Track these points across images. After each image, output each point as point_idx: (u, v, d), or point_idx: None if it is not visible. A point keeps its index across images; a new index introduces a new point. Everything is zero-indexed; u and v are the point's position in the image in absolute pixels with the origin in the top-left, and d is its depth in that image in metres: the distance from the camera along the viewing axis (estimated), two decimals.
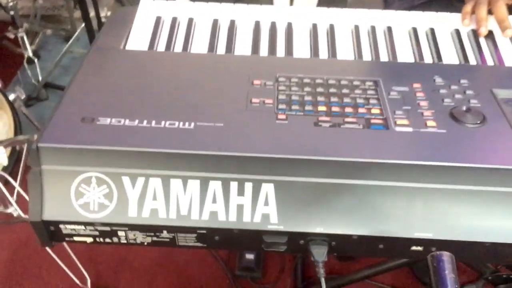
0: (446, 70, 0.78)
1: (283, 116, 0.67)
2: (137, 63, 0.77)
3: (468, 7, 0.89)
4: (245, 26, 0.89)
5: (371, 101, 0.70)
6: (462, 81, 0.75)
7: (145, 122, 0.65)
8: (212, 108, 0.68)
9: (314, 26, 0.88)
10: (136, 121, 0.65)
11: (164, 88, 0.71)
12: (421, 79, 0.75)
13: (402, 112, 0.68)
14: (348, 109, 0.69)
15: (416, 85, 0.74)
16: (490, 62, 0.82)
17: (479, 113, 0.68)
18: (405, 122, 0.67)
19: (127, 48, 0.82)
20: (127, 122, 0.64)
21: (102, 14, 1.89)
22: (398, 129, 0.66)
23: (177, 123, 0.65)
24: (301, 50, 0.83)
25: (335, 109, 0.69)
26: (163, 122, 0.65)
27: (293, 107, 0.69)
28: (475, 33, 0.87)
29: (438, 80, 0.75)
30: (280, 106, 0.69)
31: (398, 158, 0.61)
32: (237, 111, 0.67)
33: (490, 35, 0.87)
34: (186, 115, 0.66)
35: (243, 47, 0.84)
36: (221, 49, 0.83)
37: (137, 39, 0.83)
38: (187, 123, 0.65)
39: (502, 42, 0.86)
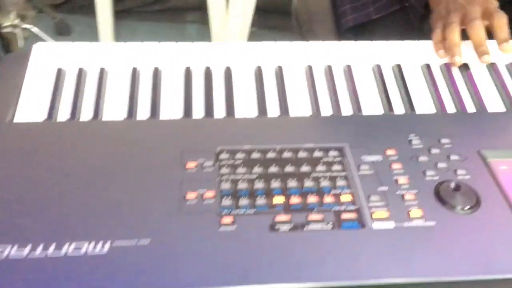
0: (421, 124, 0.64)
1: (229, 220, 0.51)
2: (29, 143, 0.58)
3: (438, 34, 0.76)
4: (172, 75, 0.71)
5: (339, 182, 0.56)
6: (443, 140, 0.61)
7: (38, 249, 0.47)
8: (134, 214, 0.51)
9: (259, 70, 0.71)
10: (26, 249, 0.46)
11: (67, 184, 0.53)
12: (395, 140, 0.61)
13: (378, 198, 0.54)
14: (312, 198, 0.53)
15: (390, 152, 0.59)
16: (469, 104, 0.69)
17: (471, 192, 0.55)
18: (384, 213, 0.52)
19: (15, 120, 0.62)
20: (13, 251, 0.46)
21: (6, 23, 1.56)
22: (376, 225, 0.51)
23: (85, 245, 0.47)
24: (245, 106, 0.66)
25: (294, 199, 0.53)
26: (65, 247, 0.47)
27: (241, 201, 0.53)
28: (449, 67, 0.74)
29: (415, 142, 0.61)
30: (224, 202, 0.52)
31: (379, 276, 0.47)
32: (166, 217, 0.51)
33: (465, 66, 0.74)
34: (97, 230, 0.49)
35: (171, 107, 0.66)
36: (142, 112, 0.65)
37: (29, 107, 0.64)
38: (99, 244, 0.47)
39: (479, 76, 0.73)
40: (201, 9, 1.84)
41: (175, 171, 0.55)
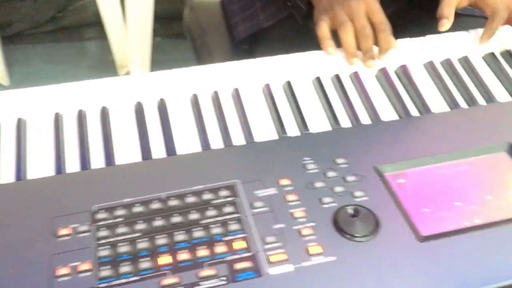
0: (316, 145, 0.61)
1: None
2: None
3: (324, 29, 0.73)
4: (40, 126, 0.62)
5: (231, 226, 0.51)
6: (338, 160, 0.58)
7: None
8: None
9: (139, 107, 0.65)
10: None
11: None
12: (288, 167, 0.57)
13: (274, 238, 0.50)
14: (202, 251, 0.49)
15: (284, 182, 0.56)
16: (363, 115, 0.67)
17: (370, 216, 0.52)
18: (282, 256, 0.49)
19: None
20: None
21: None
22: (274, 271, 0.47)
23: None
24: (126, 151, 0.60)
25: (183, 256, 0.48)
26: None
27: (122, 268, 0.47)
28: (338, 78, 0.71)
29: (310, 166, 0.57)
30: (103, 273, 0.46)
31: None
32: None
33: (355, 74, 0.71)
34: None
35: (40, 164, 0.58)
36: (6, 175, 0.57)
37: None
38: None
39: (370, 83, 0.71)
40: (98, 24, 1.73)
41: (45, 242, 0.48)
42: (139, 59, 1.73)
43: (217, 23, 1.02)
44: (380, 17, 0.72)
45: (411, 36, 0.77)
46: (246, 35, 0.94)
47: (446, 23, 0.76)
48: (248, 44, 0.96)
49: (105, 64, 1.83)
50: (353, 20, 0.71)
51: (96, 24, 1.80)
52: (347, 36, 0.71)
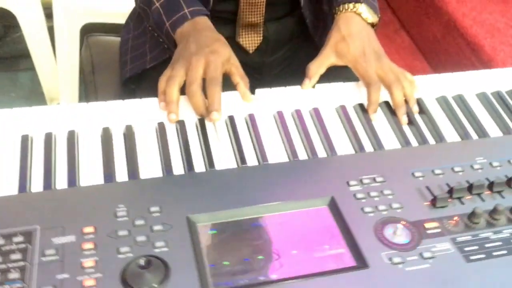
0: (136, 191, 0.60)
1: None
2: None
3: (162, 83, 0.72)
4: None
5: (11, 274, 0.49)
6: (152, 208, 0.58)
7: None
8: None
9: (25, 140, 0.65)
10: None
11: None
12: (98, 214, 0.56)
13: None
14: None
15: (88, 229, 0.54)
16: (199, 162, 0.66)
17: (160, 268, 0.51)
18: None
19: None
20: None
21: None
22: None
23: None
24: None
25: None
26: None
27: None
28: (183, 124, 0.71)
29: (121, 214, 0.56)
30: None
31: None
32: None
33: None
34: None
35: None
36: None
37: None
38: None
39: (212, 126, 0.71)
40: None
41: None
42: (69, 91, 1.73)
43: (112, 62, 1.02)
44: (211, 72, 0.72)
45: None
46: (131, 74, 0.94)
47: (307, 83, 0.78)
48: (134, 83, 0.96)
49: (36, 95, 1.82)
50: (187, 74, 0.72)
51: (30, 55, 1.80)
52: (169, 88, 0.71)
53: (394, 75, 0.78)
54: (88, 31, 1.61)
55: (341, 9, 0.83)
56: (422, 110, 0.77)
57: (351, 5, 0.82)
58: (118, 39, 1.04)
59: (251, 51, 0.93)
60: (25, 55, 1.86)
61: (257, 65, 0.97)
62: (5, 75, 1.91)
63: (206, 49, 0.73)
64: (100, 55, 1.03)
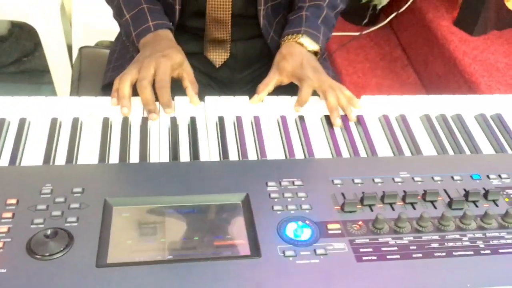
0: (61, 174, 0.66)
1: None
2: None
3: (116, 82, 0.79)
4: None
5: None
6: (76, 189, 0.63)
7: None
8: None
9: None
10: None
11: None
12: (26, 190, 0.62)
13: None
14: None
15: (11, 201, 0.60)
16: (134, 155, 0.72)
17: (63, 239, 0.56)
18: None
19: None
20: None
21: None
22: None
23: None
24: None
25: None
26: None
27: None
28: (107, 120, 0.76)
29: (45, 191, 0.62)
30: None
31: None
32: None
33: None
34: None
35: None
36: None
37: None
38: None
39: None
40: None
41: None
42: None
43: (98, 71, 1.10)
44: (160, 75, 0.78)
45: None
46: (109, 81, 1.01)
47: (255, 98, 0.83)
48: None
49: None
50: (139, 73, 0.78)
51: None
52: (121, 85, 0.78)
53: (330, 86, 0.82)
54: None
55: (284, 39, 0.91)
56: (359, 123, 0.80)
57: (293, 36, 0.90)
58: (108, 51, 1.12)
59: (217, 65, 0.99)
60: (48, 70, 2.00)
61: (227, 81, 1.02)
62: (29, 87, 2.05)
63: (158, 53, 0.80)
64: (89, 64, 1.11)
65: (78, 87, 1.06)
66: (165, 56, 0.79)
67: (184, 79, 0.82)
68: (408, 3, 1.91)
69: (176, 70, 0.81)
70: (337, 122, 0.78)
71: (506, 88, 1.49)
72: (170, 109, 0.78)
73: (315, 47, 0.91)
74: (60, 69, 1.80)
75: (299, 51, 0.88)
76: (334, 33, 2.04)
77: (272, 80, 0.85)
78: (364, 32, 2.06)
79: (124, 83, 0.77)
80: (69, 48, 1.80)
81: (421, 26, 1.85)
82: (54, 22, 1.69)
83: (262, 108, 0.82)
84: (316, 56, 0.92)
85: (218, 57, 0.98)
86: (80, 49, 1.15)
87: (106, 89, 1.04)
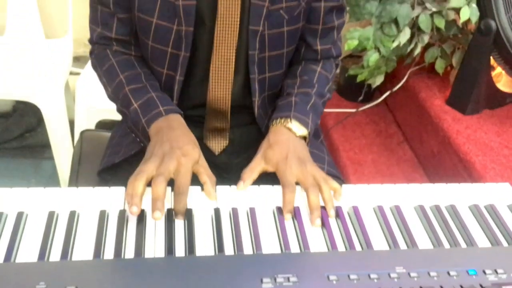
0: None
1: None
2: None
3: (132, 177, 0.78)
4: None
5: None
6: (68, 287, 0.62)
7: None
8: None
9: None
10: None
11: None
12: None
13: None
14: None
15: None
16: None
17: None
18: None
19: None
20: None
21: None
22: None
23: None
24: None
25: None
26: None
27: None
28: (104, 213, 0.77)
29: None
30: None
31: None
32: None
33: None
34: None
35: None
36: None
37: None
38: None
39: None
40: None
41: None
42: None
43: (98, 154, 1.12)
44: (181, 178, 0.78)
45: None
46: (105, 166, 1.03)
47: (241, 185, 0.84)
48: (110, 174, 1.05)
49: (54, 183, 1.95)
50: (158, 169, 0.78)
51: None
52: (136, 182, 0.77)
53: (314, 180, 0.83)
54: (101, 126, 1.77)
55: (273, 124, 0.93)
56: (355, 214, 0.81)
57: (282, 120, 0.92)
58: (109, 134, 1.14)
59: (217, 153, 1.01)
60: (49, 145, 2.04)
61: (225, 165, 1.04)
62: (30, 162, 2.07)
63: (177, 151, 0.80)
64: (90, 148, 1.13)
65: (78, 171, 1.08)
66: (185, 155, 0.80)
67: (202, 174, 0.82)
68: (401, 82, 1.98)
69: (194, 167, 0.82)
70: (317, 223, 0.78)
71: (501, 167, 1.51)
72: (182, 217, 0.77)
73: (303, 132, 0.92)
74: (61, 145, 1.82)
75: (286, 138, 0.89)
76: (330, 110, 2.12)
77: (257, 167, 0.87)
78: (360, 109, 2.11)
79: (138, 180, 0.76)
80: (71, 123, 1.84)
81: (415, 104, 1.91)
82: (58, 101, 1.74)
83: (258, 198, 0.83)
84: (305, 140, 0.93)
85: (217, 145, 1.01)
86: (82, 132, 1.18)
87: (103, 174, 1.05)
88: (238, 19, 0.90)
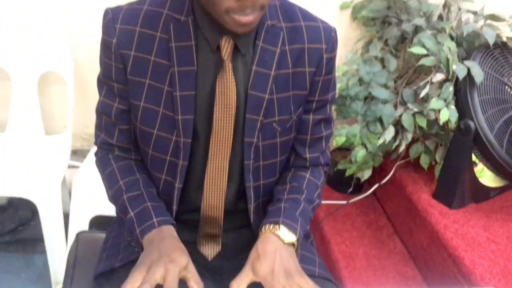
0: None
1: None
2: None
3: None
4: None
5: None
6: None
7: None
8: None
9: None
10: None
11: None
12: None
13: None
14: None
15: None
16: None
17: None
18: None
19: None
20: None
21: None
22: None
23: None
24: None
25: None
26: None
27: None
28: None
29: None
30: None
31: None
32: None
33: None
34: None
35: None
36: None
37: None
38: None
39: None
40: None
41: None
42: None
43: (93, 257, 1.14)
44: (169, 283, 0.81)
45: None
46: (102, 270, 1.05)
47: None
48: (105, 279, 1.06)
49: (44, 278, 1.93)
50: (144, 278, 0.82)
51: None
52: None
53: None
54: (96, 221, 1.79)
55: (262, 230, 0.96)
56: None
57: (271, 226, 0.95)
58: (104, 235, 1.17)
59: (210, 259, 1.04)
60: (42, 239, 2.04)
61: (217, 269, 1.06)
62: (21, 256, 2.07)
63: (165, 258, 0.84)
64: (85, 250, 1.16)
65: (72, 275, 1.09)
66: (173, 262, 0.84)
67: (189, 280, 0.85)
68: (389, 176, 2.04)
69: (182, 273, 0.85)
70: None
71: (489, 263, 1.53)
72: None
73: (292, 238, 0.95)
74: (55, 240, 1.83)
75: (274, 248, 0.92)
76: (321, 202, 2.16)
77: (245, 279, 0.89)
78: (351, 200, 2.16)
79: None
80: (65, 215, 1.86)
81: (403, 197, 1.96)
82: (54, 197, 1.78)
83: None
84: (294, 247, 0.96)
85: (210, 250, 1.04)
86: (77, 234, 1.20)
87: (99, 278, 1.07)
88: (232, 132, 0.97)
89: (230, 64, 0.92)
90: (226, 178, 1.00)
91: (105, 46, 0.94)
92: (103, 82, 1.00)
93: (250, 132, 0.96)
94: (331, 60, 0.98)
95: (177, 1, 0.92)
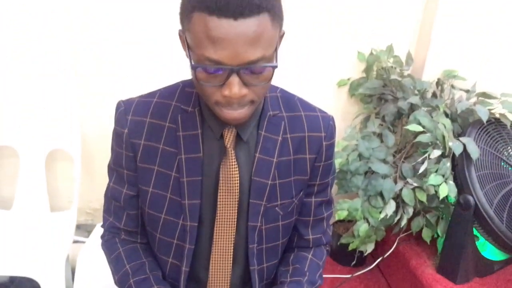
0: None
1: None
2: None
3: None
4: None
5: None
6: None
7: None
8: None
9: None
10: None
11: None
12: None
13: None
14: None
15: None
16: None
17: None
18: None
19: None
20: None
21: None
22: None
23: None
24: None
25: None
26: None
27: None
28: None
29: None
30: None
31: None
32: None
33: None
34: None
35: None
36: None
37: None
38: None
39: None
40: None
41: None
42: None
43: None
44: None
45: None
46: None
47: None
48: None
49: None
50: None
51: None
52: None
53: None
54: None
55: None
56: None
57: None
58: None
59: None
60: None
61: None
62: None
63: None
64: None
65: None
66: None
67: None
68: (392, 249, 2.04)
69: None
70: None
71: None
72: None
73: None
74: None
75: None
76: (325, 275, 2.14)
77: None
78: (354, 274, 2.14)
79: None
80: None
81: (406, 271, 1.95)
82: (58, 275, 1.77)
83: None
84: None
85: None
86: None
87: None
88: (236, 216, 1.00)
89: (233, 152, 0.96)
90: (231, 261, 1.02)
91: (117, 136, 0.99)
92: (113, 169, 1.04)
93: (254, 216, 1.00)
94: (330, 147, 1.02)
95: (184, 94, 0.98)
